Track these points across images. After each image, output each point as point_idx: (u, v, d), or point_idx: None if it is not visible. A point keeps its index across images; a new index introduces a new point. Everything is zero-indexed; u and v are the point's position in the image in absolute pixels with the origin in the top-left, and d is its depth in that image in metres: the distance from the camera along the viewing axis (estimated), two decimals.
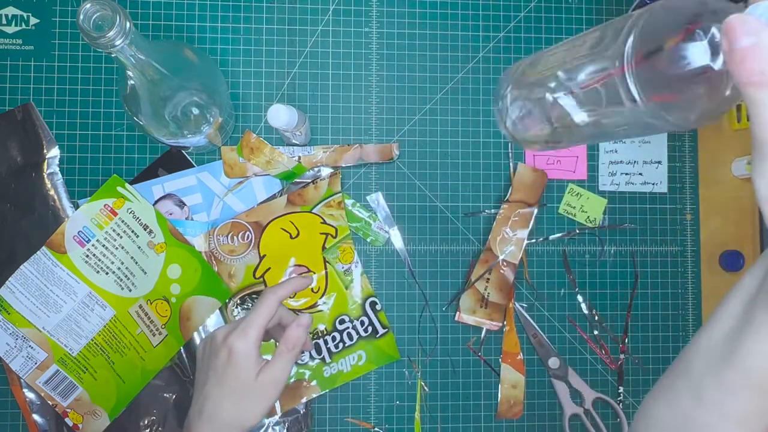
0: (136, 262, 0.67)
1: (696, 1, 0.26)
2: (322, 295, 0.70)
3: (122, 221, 0.67)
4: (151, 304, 0.67)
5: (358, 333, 0.70)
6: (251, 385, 0.47)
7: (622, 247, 0.73)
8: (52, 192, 0.67)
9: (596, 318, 0.72)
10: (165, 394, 0.68)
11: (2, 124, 0.67)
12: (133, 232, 0.67)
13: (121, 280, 0.67)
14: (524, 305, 0.72)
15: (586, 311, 0.72)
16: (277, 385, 0.48)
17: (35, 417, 0.67)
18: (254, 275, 0.69)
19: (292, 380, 0.69)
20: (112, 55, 0.47)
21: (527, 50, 0.73)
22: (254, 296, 0.69)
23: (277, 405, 0.68)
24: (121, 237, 0.67)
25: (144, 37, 0.50)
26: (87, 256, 0.66)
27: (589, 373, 0.72)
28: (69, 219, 0.66)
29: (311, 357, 0.70)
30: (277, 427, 0.69)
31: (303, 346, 0.49)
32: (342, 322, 0.70)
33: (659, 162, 0.74)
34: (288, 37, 0.71)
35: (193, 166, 0.69)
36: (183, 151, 0.69)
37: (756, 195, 0.27)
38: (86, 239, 0.66)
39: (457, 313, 0.71)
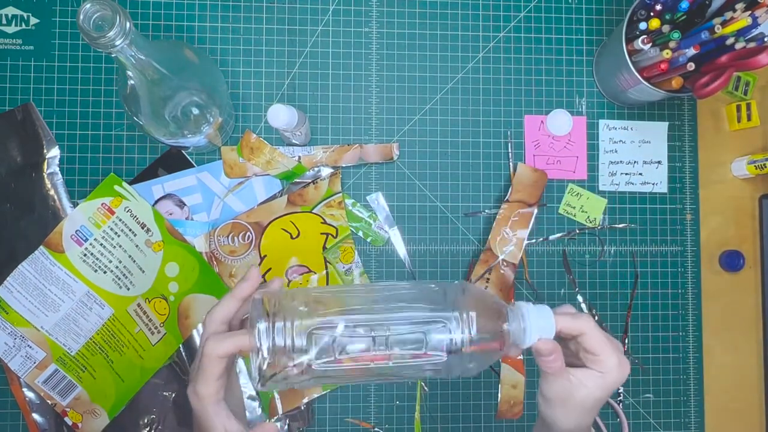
0: (134, 261, 0.67)
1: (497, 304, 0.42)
2: None
3: (120, 220, 0.67)
4: (149, 302, 0.67)
5: None
6: None
7: (622, 247, 0.73)
8: (52, 192, 0.67)
9: (596, 318, 0.72)
10: (164, 393, 0.68)
11: (2, 124, 0.67)
12: (130, 230, 0.67)
13: (119, 278, 0.67)
14: None
15: (586, 311, 0.72)
16: None
17: (35, 416, 0.67)
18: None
19: None
20: (112, 55, 0.47)
21: (527, 50, 0.73)
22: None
23: (279, 405, 0.68)
24: (118, 236, 0.67)
25: (144, 37, 0.50)
26: (85, 255, 0.66)
27: None
28: (66, 218, 0.66)
29: None
30: (278, 423, 0.69)
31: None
32: None
33: (659, 162, 0.74)
34: (288, 37, 0.71)
35: (193, 166, 0.69)
36: (183, 151, 0.69)
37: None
38: (84, 238, 0.66)
39: None
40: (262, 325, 0.39)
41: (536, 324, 0.41)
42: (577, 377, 0.43)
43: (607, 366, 0.42)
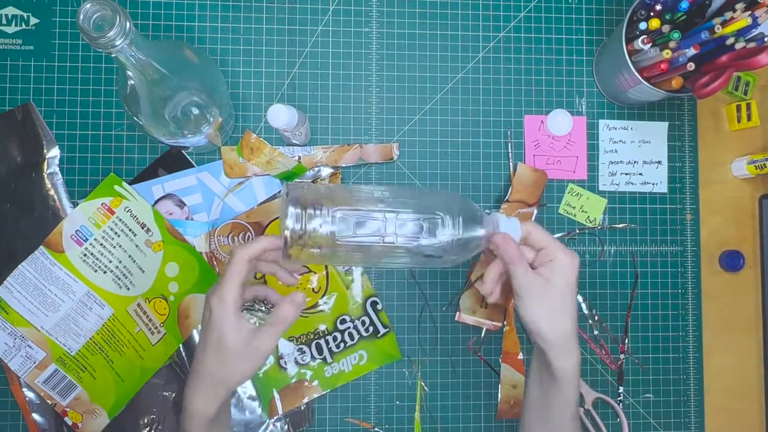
0: (134, 261, 0.67)
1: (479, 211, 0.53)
2: (323, 295, 0.70)
3: (120, 220, 0.67)
4: (149, 302, 0.67)
5: (359, 333, 0.70)
6: (232, 347, 0.48)
7: (622, 247, 0.73)
8: (52, 192, 0.67)
9: (596, 318, 0.72)
10: (164, 393, 0.68)
11: (2, 124, 0.67)
12: (130, 230, 0.67)
13: (119, 278, 0.67)
14: None
15: (586, 311, 0.72)
16: (259, 354, 0.49)
17: (35, 416, 0.67)
18: (255, 276, 0.69)
19: (294, 380, 0.69)
20: (112, 55, 0.47)
21: (527, 50, 0.73)
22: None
23: (279, 406, 0.68)
24: (118, 235, 0.67)
25: (144, 37, 0.50)
26: (85, 255, 0.66)
27: (589, 373, 0.72)
28: (66, 218, 0.66)
29: (312, 357, 0.70)
30: (278, 423, 0.69)
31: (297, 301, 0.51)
32: (343, 321, 0.70)
33: (659, 162, 0.74)
34: (288, 37, 0.71)
35: (193, 166, 0.69)
36: (183, 151, 0.69)
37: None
38: (84, 238, 0.66)
39: (457, 313, 0.70)
40: (293, 193, 0.48)
41: (505, 228, 0.52)
42: (537, 271, 0.51)
43: (554, 254, 0.51)
